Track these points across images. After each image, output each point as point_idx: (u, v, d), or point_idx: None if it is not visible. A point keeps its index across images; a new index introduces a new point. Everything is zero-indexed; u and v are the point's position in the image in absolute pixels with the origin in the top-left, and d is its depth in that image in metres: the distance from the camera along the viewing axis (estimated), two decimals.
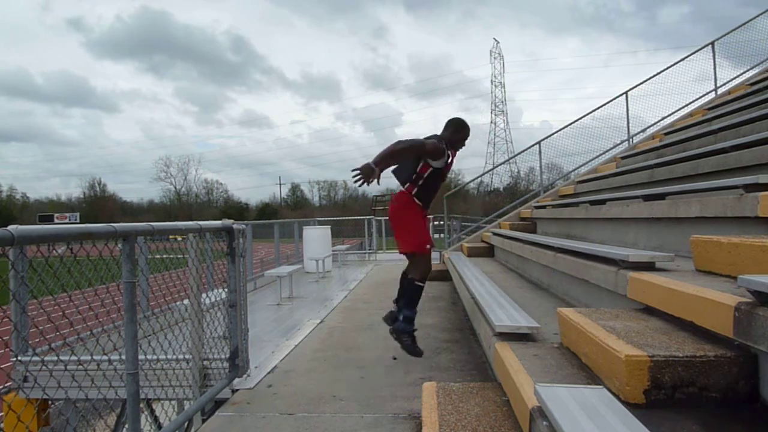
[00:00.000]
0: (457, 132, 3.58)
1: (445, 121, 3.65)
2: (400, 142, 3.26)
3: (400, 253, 3.60)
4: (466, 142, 3.67)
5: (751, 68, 8.29)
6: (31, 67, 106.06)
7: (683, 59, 8.62)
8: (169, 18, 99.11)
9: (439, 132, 3.61)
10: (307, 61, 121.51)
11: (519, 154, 10.82)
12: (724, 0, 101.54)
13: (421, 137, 3.45)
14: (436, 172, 3.46)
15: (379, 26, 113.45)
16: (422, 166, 3.44)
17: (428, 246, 3.50)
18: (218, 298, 3.36)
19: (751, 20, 8.39)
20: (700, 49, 8.62)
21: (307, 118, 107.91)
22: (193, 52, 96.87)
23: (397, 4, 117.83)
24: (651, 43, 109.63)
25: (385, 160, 3.17)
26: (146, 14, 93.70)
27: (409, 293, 3.50)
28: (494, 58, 64.64)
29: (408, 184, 3.49)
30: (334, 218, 18.64)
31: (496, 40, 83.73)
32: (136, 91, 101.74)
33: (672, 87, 8.61)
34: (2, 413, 4.03)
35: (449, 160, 3.54)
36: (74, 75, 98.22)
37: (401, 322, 3.48)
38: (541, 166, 9.38)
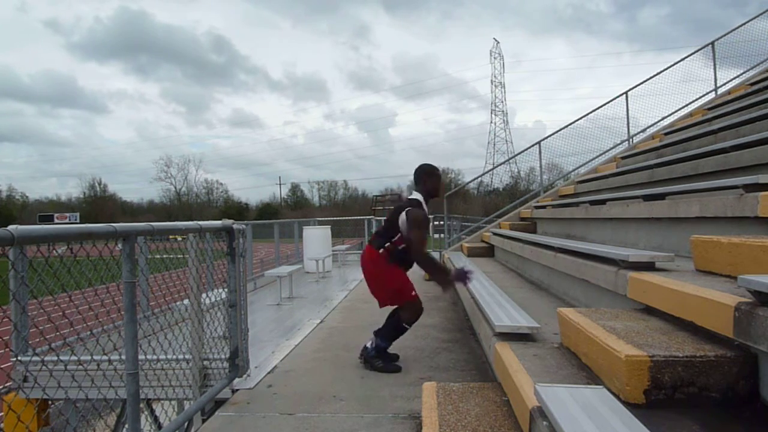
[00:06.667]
0: (430, 178, 3.48)
1: (415, 168, 3.54)
2: (420, 257, 3.34)
3: (381, 306, 3.53)
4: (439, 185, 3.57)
5: (751, 68, 8.30)
6: (18, 67, 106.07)
7: (683, 59, 8.63)
8: (150, 19, 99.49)
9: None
10: (291, 61, 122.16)
11: (519, 154, 10.82)
12: (703, 1, 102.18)
13: (405, 209, 3.35)
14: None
15: (361, 27, 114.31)
16: (397, 239, 3.35)
17: (413, 293, 3.42)
18: (218, 298, 3.36)
19: (749, 21, 8.40)
20: (701, 49, 8.62)
21: (297, 119, 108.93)
22: (175, 52, 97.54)
23: (377, 6, 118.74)
24: (635, 45, 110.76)
25: (433, 268, 3.36)
26: (126, 15, 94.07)
27: (391, 329, 3.46)
28: (494, 58, 64.63)
29: (383, 251, 3.40)
30: (334, 218, 18.64)
31: (496, 40, 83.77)
32: (123, 92, 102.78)
33: (670, 87, 8.63)
34: (2, 413, 4.03)
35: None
36: (62, 75, 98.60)
37: (372, 349, 3.45)
38: (541, 167, 9.37)
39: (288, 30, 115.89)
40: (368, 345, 3.50)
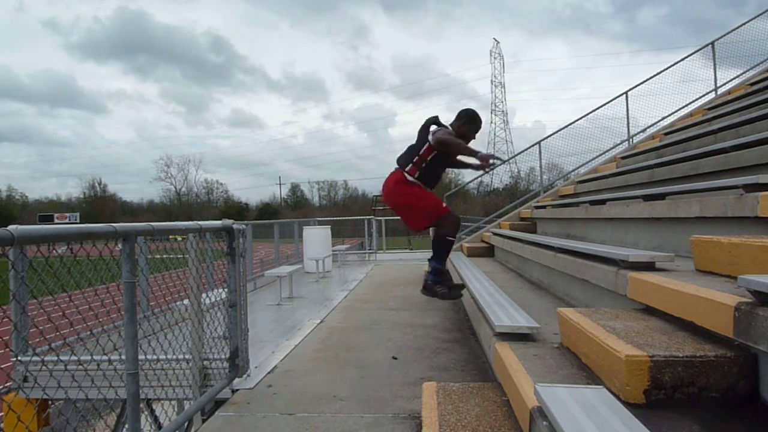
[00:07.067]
0: (469, 123, 3.60)
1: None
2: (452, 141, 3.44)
3: (414, 230, 3.63)
4: (476, 135, 3.70)
5: (751, 68, 8.30)
6: (17, 67, 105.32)
7: (683, 59, 8.63)
8: (149, 19, 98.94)
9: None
10: (289, 61, 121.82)
11: (519, 154, 10.84)
12: (702, 1, 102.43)
13: (434, 127, 3.50)
14: (441, 155, 3.47)
15: (360, 27, 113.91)
16: (426, 149, 3.44)
17: (444, 204, 3.56)
18: (218, 298, 3.36)
19: (749, 21, 8.41)
20: (700, 49, 8.63)
21: (297, 119, 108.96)
22: (174, 53, 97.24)
23: (376, 6, 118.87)
24: (634, 45, 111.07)
25: (465, 149, 3.48)
26: (125, 15, 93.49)
27: (439, 246, 3.57)
28: (494, 58, 64.60)
29: (410, 166, 3.49)
30: (334, 218, 18.65)
31: (495, 40, 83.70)
32: (122, 92, 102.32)
33: (670, 87, 8.63)
34: (2, 413, 4.03)
35: None
36: (61, 75, 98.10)
37: (430, 275, 3.58)
38: (541, 167, 9.38)
39: (286, 30, 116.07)
40: (428, 269, 3.62)
